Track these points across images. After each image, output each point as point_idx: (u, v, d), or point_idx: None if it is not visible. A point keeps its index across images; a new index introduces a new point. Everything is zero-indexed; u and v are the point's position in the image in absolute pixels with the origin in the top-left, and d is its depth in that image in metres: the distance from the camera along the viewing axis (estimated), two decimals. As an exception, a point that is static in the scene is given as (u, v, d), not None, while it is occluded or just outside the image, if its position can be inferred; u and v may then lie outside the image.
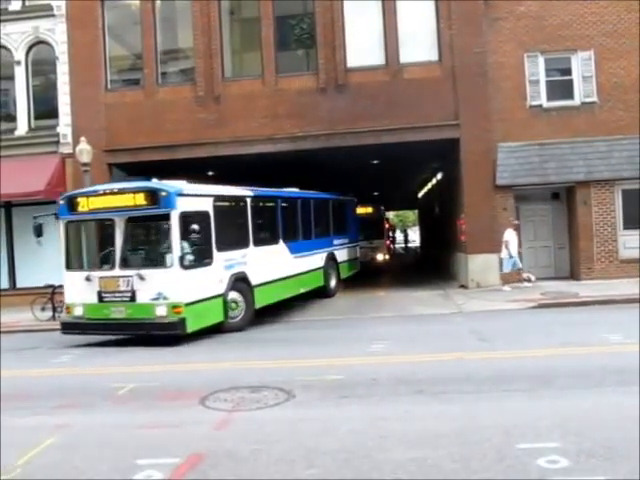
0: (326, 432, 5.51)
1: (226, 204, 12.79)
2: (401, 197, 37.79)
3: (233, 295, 12.00)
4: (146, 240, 12.08)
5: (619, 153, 16.01)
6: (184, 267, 10.56)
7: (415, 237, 55.53)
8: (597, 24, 16.19)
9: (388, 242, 33.81)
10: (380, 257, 28.13)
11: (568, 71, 16.46)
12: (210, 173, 19.49)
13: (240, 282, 12.22)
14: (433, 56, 16.56)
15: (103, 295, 10.90)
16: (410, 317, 13.12)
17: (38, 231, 12.22)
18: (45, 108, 18.24)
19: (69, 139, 17.32)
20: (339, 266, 18.02)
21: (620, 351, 8.25)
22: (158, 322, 10.57)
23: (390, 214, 47.99)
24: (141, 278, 10.57)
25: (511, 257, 15.47)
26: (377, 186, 30.08)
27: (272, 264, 13.59)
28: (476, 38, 16.17)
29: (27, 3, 18.19)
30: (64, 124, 17.57)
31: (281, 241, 14.38)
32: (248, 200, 13.09)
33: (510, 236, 15.50)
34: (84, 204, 11.20)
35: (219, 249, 11.58)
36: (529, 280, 15.68)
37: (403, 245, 52.24)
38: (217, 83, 16.92)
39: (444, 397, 6.50)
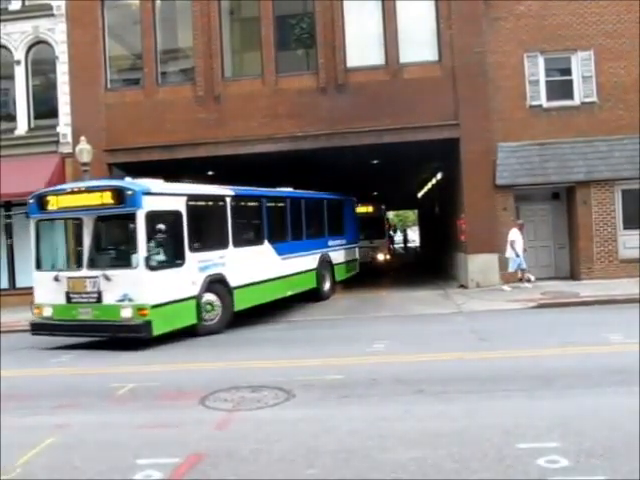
0: (326, 432, 5.51)
1: (202, 204, 12.46)
2: (401, 197, 37.78)
3: (209, 297, 11.69)
4: (114, 240, 11.74)
5: (619, 153, 16.01)
6: (150, 268, 10.29)
7: (415, 237, 55.51)
8: (597, 24, 16.19)
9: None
10: (381, 257, 27.69)
11: (568, 71, 16.46)
12: (210, 173, 19.49)
13: (217, 284, 11.91)
14: (433, 56, 16.56)
15: (71, 296, 10.69)
16: (410, 317, 13.12)
17: (8, 230, 11.90)
18: (45, 108, 18.24)
19: (69, 139, 17.33)
20: (334, 268, 17.50)
21: (620, 351, 8.25)
22: (123, 324, 10.31)
23: (390, 214, 47.95)
24: (107, 279, 10.32)
25: (517, 256, 15.46)
26: (377, 186, 30.05)
27: (255, 266, 13.21)
28: (476, 38, 16.17)
29: (27, 3, 18.19)
30: (64, 124, 17.58)
31: (266, 242, 13.96)
32: (228, 200, 12.70)
33: (516, 236, 15.49)
34: (53, 202, 10.95)
35: (192, 250, 11.29)
36: (529, 280, 15.68)
37: (402, 245, 52.18)
38: (217, 83, 16.91)
39: (444, 397, 6.49)
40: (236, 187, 13.40)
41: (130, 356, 10.06)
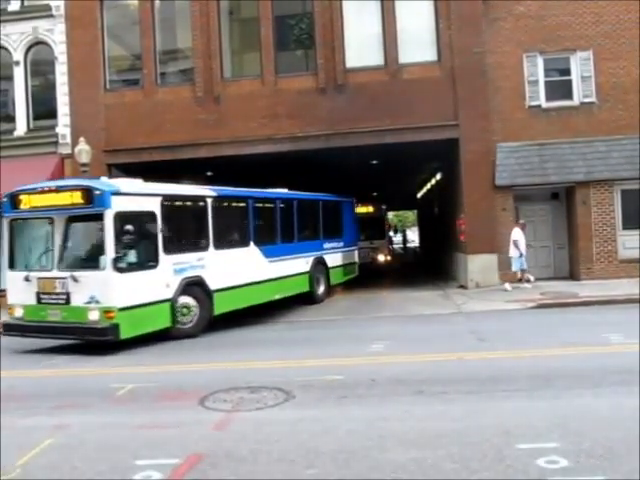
0: (326, 432, 5.51)
1: (179, 204, 12.21)
2: (401, 197, 37.79)
3: (185, 300, 11.46)
4: (84, 241, 11.30)
5: (618, 153, 16.02)
6: (119, 270, 10.07)
7: (414, 237, 55.50)
8: (596, 24, 16.20)
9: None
10: (381, 258, 27.34)
11: (567, 71, 16.48)
12: (209, 173, 19.49)
13: (195, 287, 11.67)
14: (432, 56, 16.57)
15: (41, 296, 10.55)
16: (410, 317, 13.12)
17: None
18: (44, 108, 18.22)
19: (68, 139, 17.31)
20: (329, 271, 16.98)
21: (620, 351, 8.25)
22: (90, 327, 10.11)
23: (389, 214, 47.90)
24: (75, 280, 10.15)
25: (521, 256, 15.46)
26: (376, 186, 30.05)
27: (239, 268, 12.92)
28: (475, 38, 16.18)
29: (26, 3, 18.19)
30: (63, 124, 17.57)
31: (252, 244, 13.60)
32: (209, 200, 12.40)
33: (518, 235, 15.50)
34: (26, 201, 10.78)
35: (167, 252, 11.07)
36: (528, 281, 15.67)
37: (402, 245, 52.15)
38: (216, 83, 16.91)
39: (444, 397, 6.49)
40: (219, 187, 13.15)
41: (130, 356, 10.05)
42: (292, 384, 7.21)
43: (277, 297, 14.26)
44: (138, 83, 17.64)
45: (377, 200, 31.73)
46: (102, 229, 10.13)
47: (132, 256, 10.37)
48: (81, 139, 15.48)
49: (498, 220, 16.26)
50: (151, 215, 10.93)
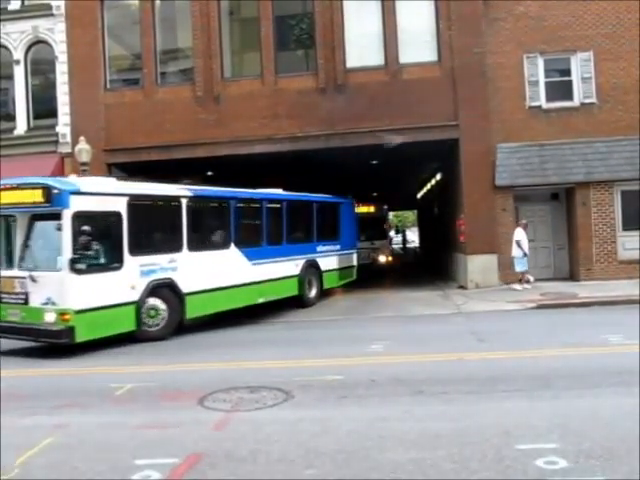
0: (325, 432, 5.50)
1: (149, 204, 11.83)
2: (400, 197, 37.77)
3: (153, 302, 11.24)
4: (44, 240, 10.89)
5: (618, 154, 16.02)
6: (76, 271, 9.81)
7: (414, 237, 55.49)
8: (596, 25, 16.20)
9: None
10: (382, 259, 26.99)
11: (567, 72, 16.48)
12: (209, 173, 19.50)
13: (165, 289, 11.41)
14: (432, 56, 16.58)
15: (2, 296, 10.36)
16: (409, 317, 13.12)
17: None
18: (44, 107, 18.24)
19: (68, 139, 17.32)
20: (323, 275, 16.43)
21: (619, 352, 8.25)
22: (46, 329, 9.91)
23: (390, 214, 47.82)
24: (33, 280, 9.94)
25: (525, 256, 15.46)
26: (377, 186, 30.04)
27: (217, 271, 12.55)
28: (475, 38, 16.18)
29: (26, 2, 18.21)
30: (63, 124, 17.58)
31: (233, 246, 13.17)
32: (183, 201, 12.02)
33: (521, 235, 15.51)
34: None
35: (133, 253, 10.82)
36: (528, 281, 15.67)
37: (401, 246, 52.14)
38: (216, 83, 16.92)
39: (444, 397, 6.49)
40: (196, 187, 12.87)
41: (129, 356, 10.05)
42: (292, 384, 7.21)
43: (261, 301, 13.79)
44: (138, 83, 17.65)
45: (378, 200, 31.55)
46: (60, 229, 9.89)
47: (92, 257, 10.12)
48: (81, 138, 15.49)
49: (498, 220, 16.26)
50: (116, 215, 10.66)
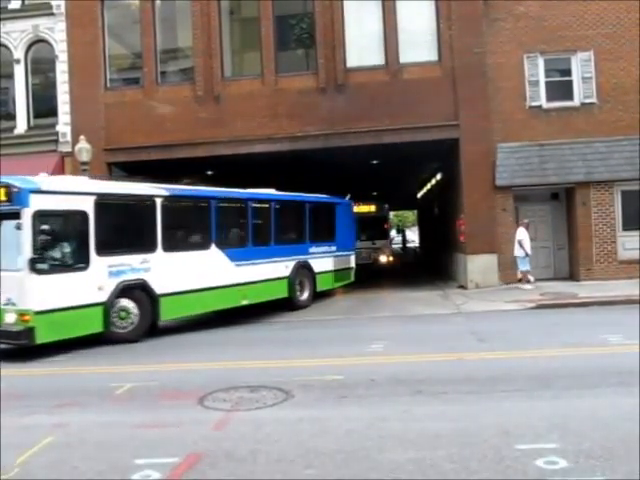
0: (325, 432, 5.50)
1: (119, 203, 11.55)
2: (401, 197, 37.76)
3: (124, 304, 11.06)
4: (6, 240, 10.50)
5: (619, 154, 16.02)
6: (36, 271, 9.63)
7: (414, 237, 55.48)
8: (597, 25, 16.20)
9: None
10: (383, 259, 26.71)
11: (568, 72, 16.48)
12: (209, 172, 19.50)
13: (136, 290, 11.21)
14: (433, 56, 16.58)
15: None
16: (409, 317, 13.12)
17: None
18: (44, 107, 18.24)
19: (68, 138, 17.32)
20: (316, 277, 15.97)
21: (619, 352, 8.24)
22: (6, 330, 9.72)
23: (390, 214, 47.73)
24: None
25: (527, 255, 15.45)
26: (377, 186, 30.04)
27: (196, 272, 12.27)
28: (476, 38, 16.18)
29: (27, 2, 18.20)
30: (63, 123, 17.57)
31: (214, 247, 12.87)
32: (158, 200, 11.78)
33: (523, 234, 15.50)
34: None
35: (101, 253, 10.62)
36: (529, 281, 15.66)
37: (401, 245, 52.13)
38: (217, 82, 16.91)
39: (443, 397, 6.49)
40: (173, 187, 12.54)
41: (128, 355, 10.05)
42: (291, 384, 7.21)
43: (245, 303, 13.46)
44: (138, 82, 17.64)
45: (379, 199, 31.41)
46: (20, 228, 9.71)
47: (55, 257, 9.98)
48: (81, 137, 15.48)
49: (498, 220, 16.27)
50: (82, 215, 10.48)
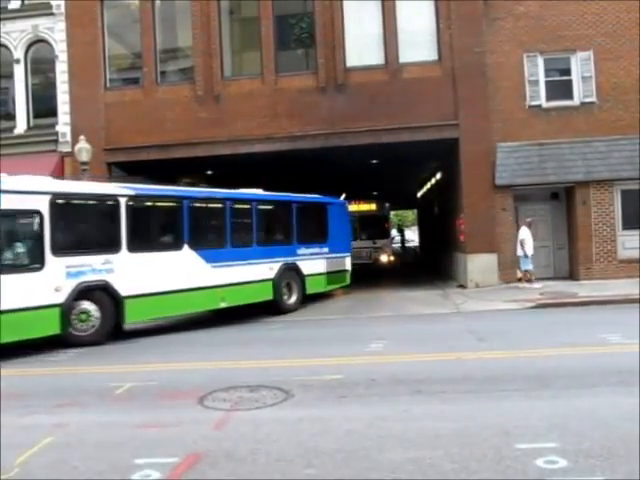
0: (325, 432, 5.50)
1: (79, 203, 11.34)
2: (400, 197, 37.76)
3: (85, 306, 10.84)
4: None
5: (618, 153, 16.03)
6: None
7: (414, 237, 55.51)
8: (596, 24, 16.21)
9: None
10: (384, 258, 26.36)
11: (567, 71, 16.49)
12: (209, 172, 19.50)
13: (97, 291, 10.96)
14: (432, 56, 16.59)
15: None
16: (409, 317, 13.13)
17: None
18: (44, 107, 18.24)
19: (68, 138, 17.33)
20: (305, 279, 15.44)
21: (619, 351, 8.24)
22: None
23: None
24: None
25: (526, 257, 15.44)
26: (376, 185, 30.04)
27: (166, 273, 11.97)
28: (475, 38, 16.19)
29: (26, 2, 18.20)
30: (63, 123, 17.57)
31: (187, 248, 12.50)
32: (122, 200, 11.49)
33: (525, 234, 15.50)
34: None
35: (58, 254, 10.39)
36: (529, 281, 15.67)
37: (400, 245, 52.15)
38: (216, 82, 16.92)
39: (443, 397, 6.49)
40: (139, 186, 12.31)
41: (128, 355, 10.06)
42: (291, 383, 7.21)
43: (223, 305, 13.13)
44: (138, 82, 17.65)
45: (379, 199, 31.34)
46: None
47: (8, 257, 9.84)
48: (81, 137, 15.49)
49: (498, 220, 16.28)
50: (36, 214, 10.28)
